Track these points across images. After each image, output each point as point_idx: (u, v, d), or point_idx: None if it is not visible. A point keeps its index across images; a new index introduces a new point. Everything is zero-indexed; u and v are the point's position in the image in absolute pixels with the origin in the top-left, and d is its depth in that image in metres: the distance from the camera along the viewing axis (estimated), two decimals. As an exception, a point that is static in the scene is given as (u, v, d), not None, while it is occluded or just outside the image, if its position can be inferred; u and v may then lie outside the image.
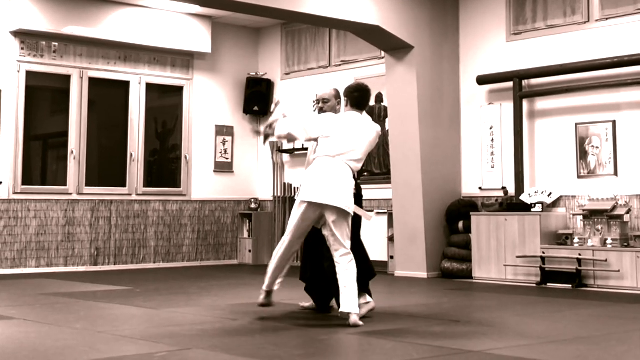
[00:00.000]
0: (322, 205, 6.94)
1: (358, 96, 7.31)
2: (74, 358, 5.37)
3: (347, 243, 6.94)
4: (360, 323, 6.73)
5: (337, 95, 7.71)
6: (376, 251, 12.36)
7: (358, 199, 7.48)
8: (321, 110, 7.66)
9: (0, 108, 12.16)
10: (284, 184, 14.36)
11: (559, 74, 10.96)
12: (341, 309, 6.83)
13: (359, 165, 7.21)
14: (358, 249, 7.40)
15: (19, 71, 12.42)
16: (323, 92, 7.78)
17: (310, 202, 6.99)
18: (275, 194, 14.43)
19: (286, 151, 14.31)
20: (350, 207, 6.95)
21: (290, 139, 7.32)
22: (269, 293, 7.33)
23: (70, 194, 12.77)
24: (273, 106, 7.80)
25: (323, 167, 7.03)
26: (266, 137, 7.41)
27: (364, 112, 7.38)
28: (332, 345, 6.05)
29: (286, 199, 14.24)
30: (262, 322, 7.02)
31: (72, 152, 12.79)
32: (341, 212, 6.92)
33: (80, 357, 5.42)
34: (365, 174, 13.01)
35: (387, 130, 12.42)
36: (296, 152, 14.13)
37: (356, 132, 7.13)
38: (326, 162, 7.04)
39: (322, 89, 7.85)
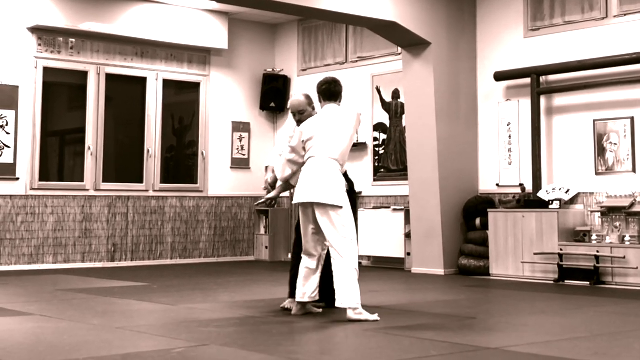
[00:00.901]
0: (308, 203, 7.05)
1: (326, 88, 7.38)
2: (92, 354, 5.38)
3: (338, 237, 6.92)
4: (356, 317, 6.79)
5: (309, 102, 7.69)
6: (393, 248, 12.37)
7: (350, 194, 7.49)
8: (299, 122, 7.60)
9: (18, 104, 12.21)
10: (301, 180, 14.35)
11: (577, 70, 10.91)
12: (336, 304, 6.90)
13: (344, 150, 7.18)
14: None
15: (36, 67, 12.46)
16: (297, 104, 7.67)
17: (299, 204, 7.14)
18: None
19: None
20: (332, 200, 6.93)
21: (292, 169, 7.33)
22: (298, 304, 7.29)
23: (88, 190, 12.80)
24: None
25: (308, 168, 7.10)
26: (274, 200, 7.94)
27: (340, 102, 7.41)
28: (348, 341, 6.05)
29: (303, 196, 14.22)
30: (279, 319, 7.02)
31: (89, 148, 12.83)
32: (323, 206, 6.94)
33: (97, 352, 5.43)
34: (382, 170, 13.00)
35: (404, 127, 12.41)
36: (313, 149, 14.11)
37: (335, 125, 7.16)
38: (311, 162, 7.11)
39: (293, 99, 7.75)
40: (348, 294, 6.80)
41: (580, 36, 11.06)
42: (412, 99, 11.88)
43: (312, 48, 14.51)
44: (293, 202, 7.25)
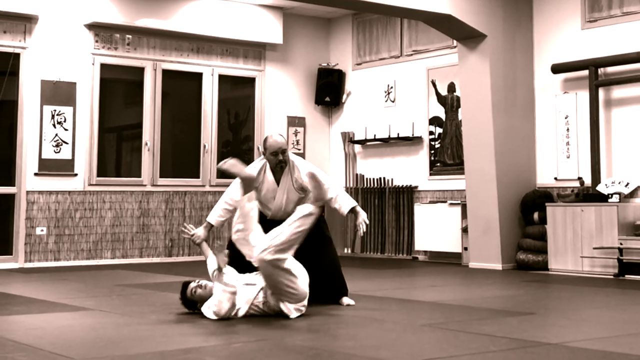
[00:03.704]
0: None
1: None
2: (151, 349, 5.42)
3: None
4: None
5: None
6: (450, 242, 12.32)
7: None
8: (282, 163, 7.57)
9: (76, 100, 12.33)
10: (356, 174, 14.37)
11: (636, 61, 10.80)
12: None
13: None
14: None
15: (93, 64, 12.59)
16: (281, 142, 7.59)
17: None
18: (348, 185, 14.43)
19: (358, 142, 14.30)
20: None
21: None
22: None
23: (145, 185, 12.92)
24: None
25: None
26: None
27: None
28: (405, 336, 6.02)
29: (358, 190, 14.21)
30: (335, 314, 7.02)
31: (146, 143, 12.93)
32: None
33: (157, 347, 5.46)
34: (438, 164, 12.95)
35: (460, 120, 12.35)
36: (368, 143, 14.11)
37: None
38: None
39: (279, 139, 7.61)
40: None
41: (639, 27, 10.93)
42: (468, 92, 11.84)
43: (366, 42, 14.50)
44: None
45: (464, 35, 11.71)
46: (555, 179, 11.65)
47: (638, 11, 10.94)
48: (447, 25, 11.57)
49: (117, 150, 13.37)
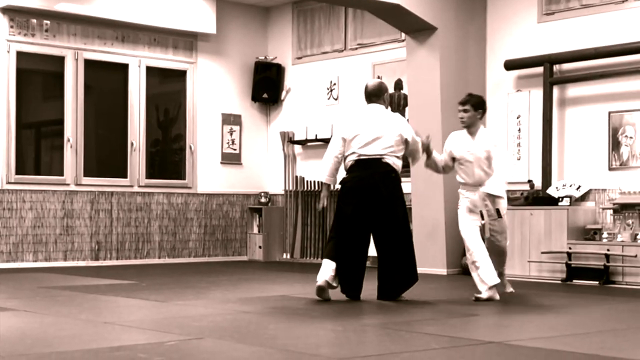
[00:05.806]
0: None
1: None
2: (81, 346, 5.68)
3: None
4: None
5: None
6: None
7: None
8: None
9: (-10, 92, 12.42)
10: (296, 177, 14.69)
11: (593, 58, 11.13)
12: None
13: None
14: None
15: (8, 51, 12.65)
16: None
17: None
18: (287, 188, 14.73)
19: (298, 142, 14.62)
20: None
21: None
22: None
23: (68, 184, 13.08)
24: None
25: None
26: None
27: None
28: (346, 335, 6.41)
29: (298, 193, 14.50)
30: (275, 314, 7.43)
31: (68, 140, 13.08)
32: None
33: (87, 345, 5.73)
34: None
35: (407, 120, 12.68)
36: (309, 143, 14.43)
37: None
38: None
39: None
40: None
41: (597, 21, 11.25)
42: (416, 90, 12.10)
43: (307, 34, 14.66)
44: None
45: (413, 27, 11.94)
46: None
47: (597, 3, 11.23)
48: (395, 16, 11.78)
49: (36, 146, 13.49)
